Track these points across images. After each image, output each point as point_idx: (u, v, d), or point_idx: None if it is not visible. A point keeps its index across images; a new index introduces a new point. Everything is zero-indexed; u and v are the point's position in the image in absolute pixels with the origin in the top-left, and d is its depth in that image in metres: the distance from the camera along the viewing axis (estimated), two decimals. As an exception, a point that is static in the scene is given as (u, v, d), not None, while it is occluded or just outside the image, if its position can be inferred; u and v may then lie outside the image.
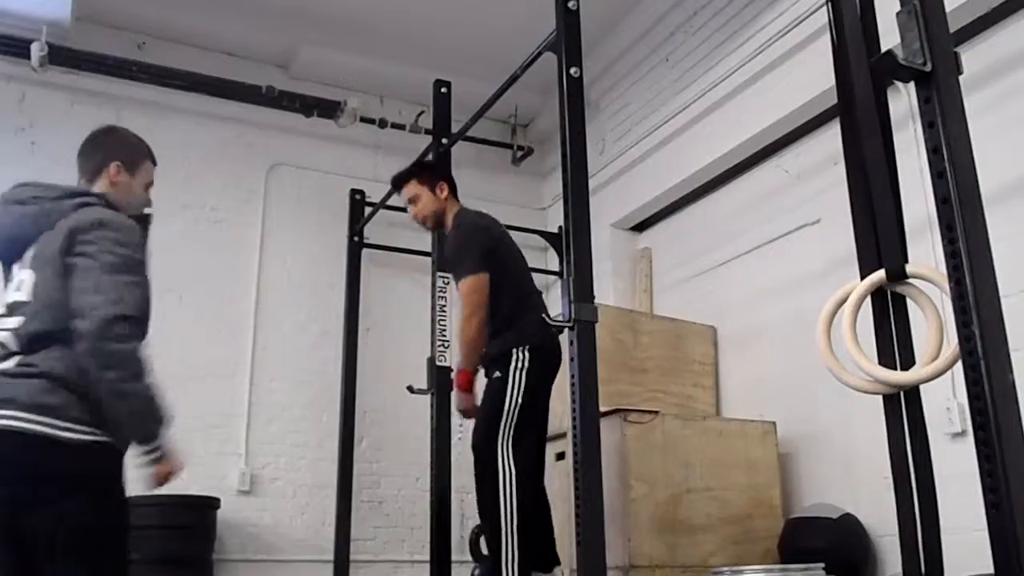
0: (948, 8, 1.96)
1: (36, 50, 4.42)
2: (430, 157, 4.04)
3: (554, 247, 5.64)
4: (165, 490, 4.54)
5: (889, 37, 2.04)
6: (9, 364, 1.97)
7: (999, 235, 1.91)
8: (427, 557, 3.87)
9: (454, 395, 3.43)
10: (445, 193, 3.55)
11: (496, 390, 3.21)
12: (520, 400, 3.15)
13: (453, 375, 3.50)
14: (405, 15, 5.01)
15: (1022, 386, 1.78)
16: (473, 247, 3.33)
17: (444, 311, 4.03)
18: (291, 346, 5.08)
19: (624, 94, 5.28)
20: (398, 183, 3.64)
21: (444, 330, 4.01)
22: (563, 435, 3.54)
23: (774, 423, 4.00)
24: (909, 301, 2.17)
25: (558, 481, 3.75)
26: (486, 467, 3.15)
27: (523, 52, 3.48)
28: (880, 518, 3.43)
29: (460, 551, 3.74)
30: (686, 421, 3.87)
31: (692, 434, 3.81)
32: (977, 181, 1.85)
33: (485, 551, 3.35)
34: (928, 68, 1.87)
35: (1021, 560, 1.63)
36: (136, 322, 1.96)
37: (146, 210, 2.37)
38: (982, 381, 1.73)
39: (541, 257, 5.85)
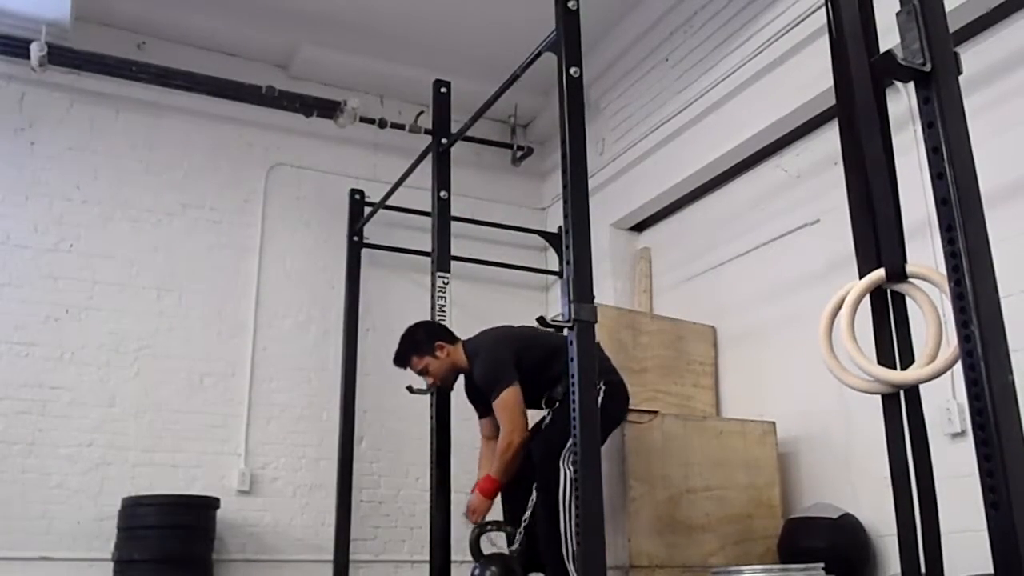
0: (948, 8, 1.96)
1: (36, 50, 4.42)
2: (407, 338, 3.74)
3: (554, 247, 5.64)
4: (165, 490, 4.60)
5: (889, 37, 2.04)
6: None
7: (999, 235, 1.90)
8: (427, 557, 3.87)
9: (474, 498, 3.40)
10: (445, 350, 3.59)
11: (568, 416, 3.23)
12: None
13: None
14: (405, 15, 5.01)
15: (1022, 386, 1.78)
16: (501, 360, 3.42)
17: (444, 311, 4.04)
18: (291, 346, 5.08)
19: (624, 94, 5.28)
20: (402, 365, 3.66)
21: (444, 330, 4.01)
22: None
23: (774, 423, 3.99)
24: (908, 300, 2.17)
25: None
26: (548, 479, 3.21)
27: (523, 52, 3.48)
28: (880, 518, 3.43)
29: (460, 551, 3.73)
30: (686, 421, 3.87)
31: (692, 434, 3.81)
32: (977, 181, 1.85)
33: (485, 551, 3.35)
34: (928, 68, 1.87)
35: (1021, 560, 1.63)
36: None
37: None
38: (982, 381, 1.73)
39: (541, 257, 5.86)
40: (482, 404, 3.59)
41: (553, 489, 3.17)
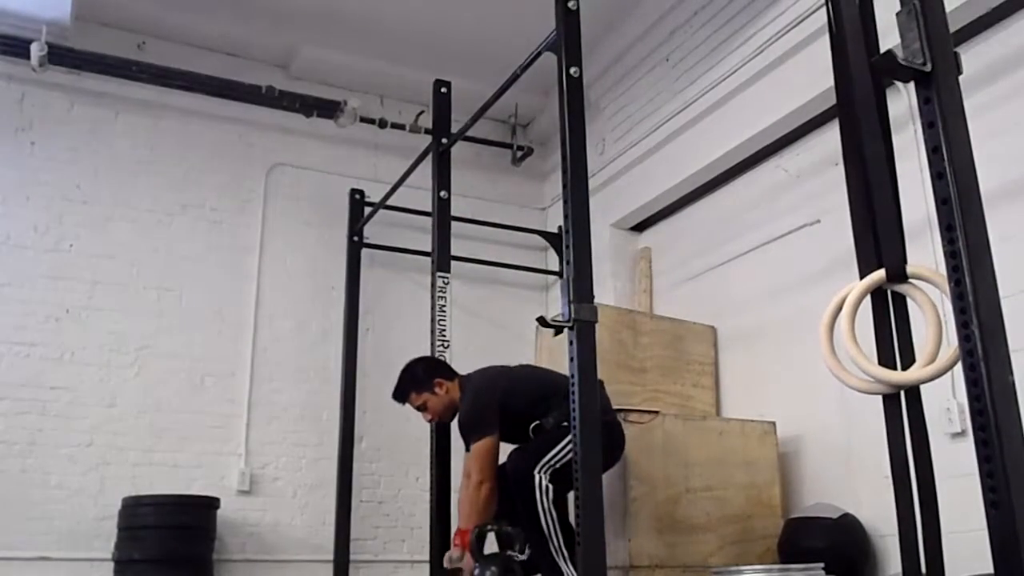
0: (948, 8, 1.96)
1: (36, 50, 4.42)
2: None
3: (554, 247, 5.64)
4: (165, 490, 4.61)
5: (889, 37, 2.04)
6: None
7: (999, 235, 1.90)
8: (427, 557, 3.87)
9: (456, 552, 3.39)
10: (444, 386, 3.59)
11: (554, 437, 3.23)
12: (568, 457, 3.12)
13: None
14: (405, 15, 5.01)
15: (1022, 386, 1.78)
16: (484, 407, 3.41)
17: (444, 311, 4.04)
18: (291, 346, 5.08)
19: (624, 94, 5.28)
20: (401, 400, 3.68)
21: (444, 330, 4.01)
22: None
23: (774, 423, 3.99)
24: (909, 301, 2.17)
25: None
26: (523, 490, 3.23)
27: (523, 52, 3.48)
28: (880, 518, 3.43)
29: (460, 551, 3.74)
30: (686, 421, 3.87)
31: (692, 434, 3.81)
32: (977, 181, 1.85)
33: (486, 551, 3.35)
34: (928, 68, 1.87)
35: (1021, 560, 1.63)
36: None
37: None
38: (982, 381, 1.73)
39: (541, 257, 5.86)
40: None
41: (529, 496, 3.21)
